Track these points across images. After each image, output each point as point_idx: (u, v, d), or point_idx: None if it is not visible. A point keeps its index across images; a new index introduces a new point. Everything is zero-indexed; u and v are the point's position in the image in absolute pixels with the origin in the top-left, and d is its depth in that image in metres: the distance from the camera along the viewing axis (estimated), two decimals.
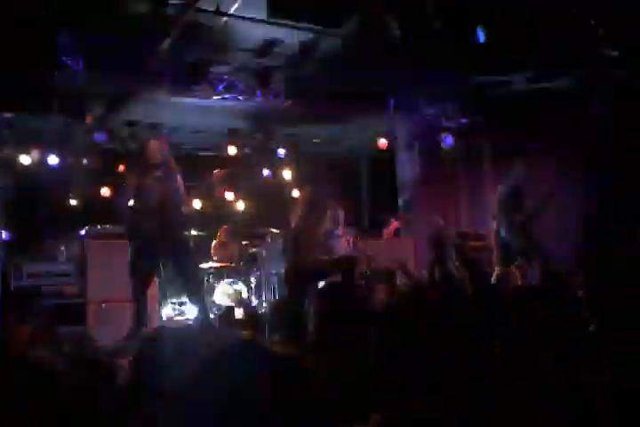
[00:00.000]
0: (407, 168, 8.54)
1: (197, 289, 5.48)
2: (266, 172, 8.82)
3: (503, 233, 6.34)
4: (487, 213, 7.57)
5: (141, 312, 5.13)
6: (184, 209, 5.31)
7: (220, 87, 6.56)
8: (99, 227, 6.64)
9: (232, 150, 8.06)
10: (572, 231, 6.70)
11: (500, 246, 6.46)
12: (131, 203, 5.25)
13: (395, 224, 8.41)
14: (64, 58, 5.83)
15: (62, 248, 6.82)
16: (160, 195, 5.19)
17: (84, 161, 7.56)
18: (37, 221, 7.00)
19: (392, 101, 7.56)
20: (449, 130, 8.17)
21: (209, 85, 6.49)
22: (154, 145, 5.33)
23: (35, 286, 6.11)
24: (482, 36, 6.09)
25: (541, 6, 5.59)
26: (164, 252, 5.21)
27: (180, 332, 2.83)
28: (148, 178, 5.24)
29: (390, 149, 8.49)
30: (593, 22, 5.27)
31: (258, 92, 6.74)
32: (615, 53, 5.37)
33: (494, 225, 6.60)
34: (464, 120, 8.21)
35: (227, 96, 6.71)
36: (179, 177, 5.38)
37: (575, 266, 6.11)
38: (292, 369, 1.24)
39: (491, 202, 7.32)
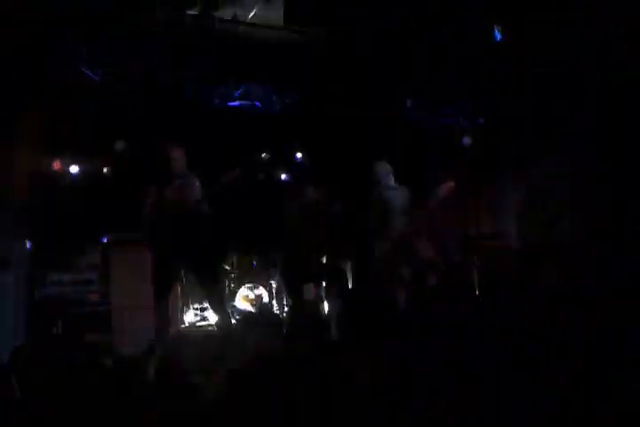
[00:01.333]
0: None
1: (218, 297, 5.49)
2: (283, 175, 8.83)
3: (526, 232, 6.29)
4: (508, 213, 7.52)
5: (162, 319, 5.16)
6: (203, 217, 5.32)
7: (237, 93, 6.61)
8: (121, 233, 6.70)
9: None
10: (596, 231, 6.61)
11: (523, 246, 6.40)
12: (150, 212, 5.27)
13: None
14: (83, 67, 5.91)
15: (85, 256, 6.90)
16: (179, 204, 5.22)
17: (105, 169, 7.63)
18: (60, 229, 7.08)
19: (409, 102, 7.55)
20: (467, 129, 8.12)
21: (226, 91, 6.54)
22: (178, 154, 5.37)
23: (59, 295, 6.19)
24: (499, 35, 6.06)
25: None
26: (183, 260, 5.24)
27: (201, 339, 2.85)
28: (169, 188, 5.29)
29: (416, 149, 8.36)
30: None
31: (274, 98, 6.77)
32: None
33: (516, 224, 6.55)
34: (481, 119, 8.16)
35: (243, 102, 6.75)
36: (197, 184, 5.42)
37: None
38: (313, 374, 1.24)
39: (512, 201, 7.26)
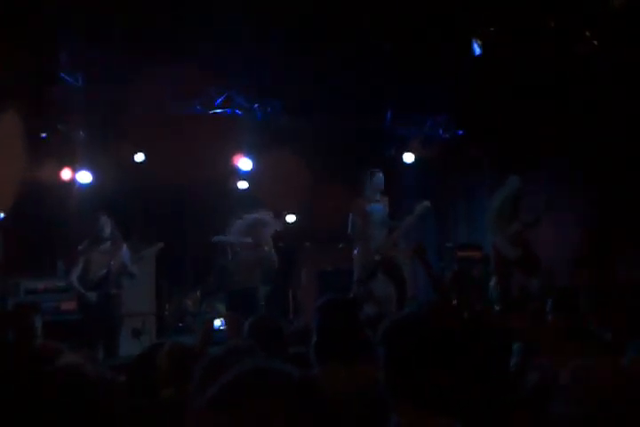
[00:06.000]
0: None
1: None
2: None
3: (499, 243, 6.29)
4: (485, 224, 7.56)
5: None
6: (128, 279, 5.57)
7: (219, 100, 6.57)
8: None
9: None
10: (570, 245, 6.68)
11: (496, 257, 6.39)
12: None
13: None
14: (63, 74, 5.84)
15: (60, 264, 6.76)
16: (106, 268, 5.41)
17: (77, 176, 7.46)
18: (35, 236, 6.94)
19: (389, 114, 7.59)
20: (446, 141, 8.20)
21: (208, 99, 6.50)
22: (103, 218, 5.52)
23: (33, 303, 6.04)
24: (477, 49, 6.12)
25: None
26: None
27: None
28: (96, 251, 5.44)
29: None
30: None
31: (256, 106, 6.75)
32: None
33: (490, 234, 6.56)
34: (460, 131, 8.25)
35: (224, 110, 6.71)
36: (125, 248, 5.56)
37: (571, 279, 6.11)
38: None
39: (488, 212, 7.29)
